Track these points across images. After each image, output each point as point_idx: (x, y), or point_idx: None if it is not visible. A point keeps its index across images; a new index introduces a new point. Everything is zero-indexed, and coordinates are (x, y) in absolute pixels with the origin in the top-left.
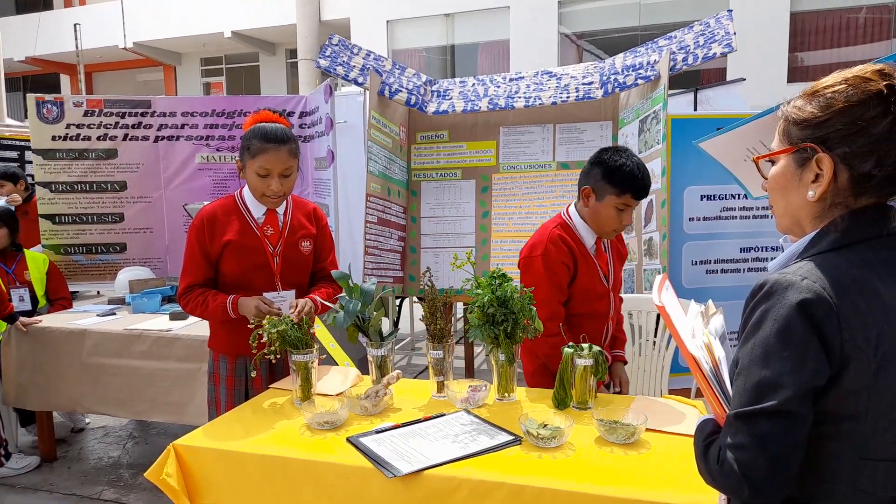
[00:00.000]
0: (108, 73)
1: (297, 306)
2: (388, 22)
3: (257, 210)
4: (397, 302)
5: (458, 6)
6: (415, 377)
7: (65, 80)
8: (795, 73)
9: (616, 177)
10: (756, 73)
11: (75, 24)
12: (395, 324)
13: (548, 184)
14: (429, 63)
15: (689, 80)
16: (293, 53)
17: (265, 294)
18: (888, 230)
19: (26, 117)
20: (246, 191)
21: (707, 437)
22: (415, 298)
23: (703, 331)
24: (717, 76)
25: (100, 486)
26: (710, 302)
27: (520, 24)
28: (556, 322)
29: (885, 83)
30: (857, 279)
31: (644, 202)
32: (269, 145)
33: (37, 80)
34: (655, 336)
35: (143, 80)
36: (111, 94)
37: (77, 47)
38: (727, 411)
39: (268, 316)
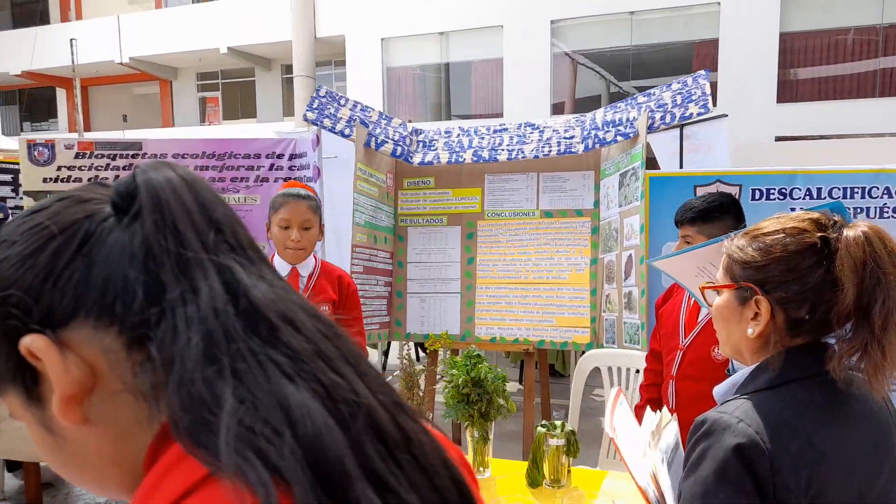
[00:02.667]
0: (103, 87)
1: None
2: (382, 40)
3: (282, 272)
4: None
5: (452, 25)
6: None
7: (60, 93)
8: (785, 93)
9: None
10: (746, 93)
11: (71, 40)
12: (385, 355)
13: (532, 231)
14: (423, 80)
15: None
16: (289, 69)
17: None
18: (819, 370)
19: (22, 130)
20: (276, 257)
21: None
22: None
23: (651, 455)
24: None
25: None
26: (664, 410)
27: (513, 42)
28: (649, 357)
29: (819, 235)
30: (788, 422)
31: (623, 256)
32: (289, 199)
33: (32, 93)
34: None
35: (139, 93)
36: (107, 107)
37: (73, 62)
38: None
39: None
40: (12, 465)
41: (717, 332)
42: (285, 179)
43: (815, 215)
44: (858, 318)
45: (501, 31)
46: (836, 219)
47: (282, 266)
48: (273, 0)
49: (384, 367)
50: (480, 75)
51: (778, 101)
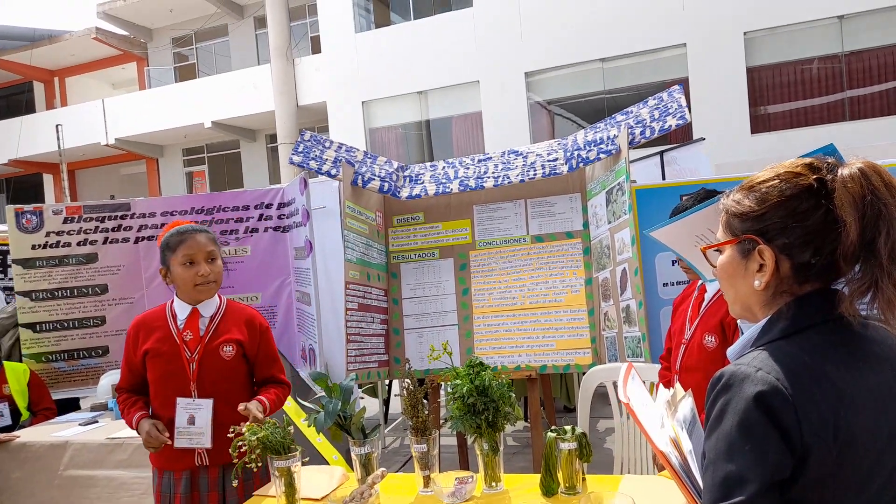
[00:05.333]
0: (90, 170)
1: (246, 409)
2: (363, 103)
3: (182, 314)
4: (386, 383)
5: (430, 83)
6: (408, 460)
7: (48, 178)
8: (758, 124)
9: None
10: (720, 128)
11: (57, 125)
12: (386, 404)
13: (524, 257)
14: (405, 139)
15: (656, 140)
16: (273, 138)
17: (179, 399)
18: (833, 315)
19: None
20: (175, 300)
21: None
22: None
23: (670, 422)
24: (683, 133)
25: None
26: (678, 386)
27: (490, 96)
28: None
29: (814, 177)
30: (808, 366)
31: (618, 270)
32: (186, 234)
33: (19, 181)
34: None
35: (126, 173)
36: (95, 189)
37: (59, 147)
38: None
39: (247, 423)
40: None
41: (724, 293)
42: (275, 228)
43: (809, 160)
44: (865, 256)
45: (478, 87)
46: (829, 160)
47: (181, 308)
48: (254, 73)
49: (386, 418)
50: (461, 129)
51: (752, 133)
